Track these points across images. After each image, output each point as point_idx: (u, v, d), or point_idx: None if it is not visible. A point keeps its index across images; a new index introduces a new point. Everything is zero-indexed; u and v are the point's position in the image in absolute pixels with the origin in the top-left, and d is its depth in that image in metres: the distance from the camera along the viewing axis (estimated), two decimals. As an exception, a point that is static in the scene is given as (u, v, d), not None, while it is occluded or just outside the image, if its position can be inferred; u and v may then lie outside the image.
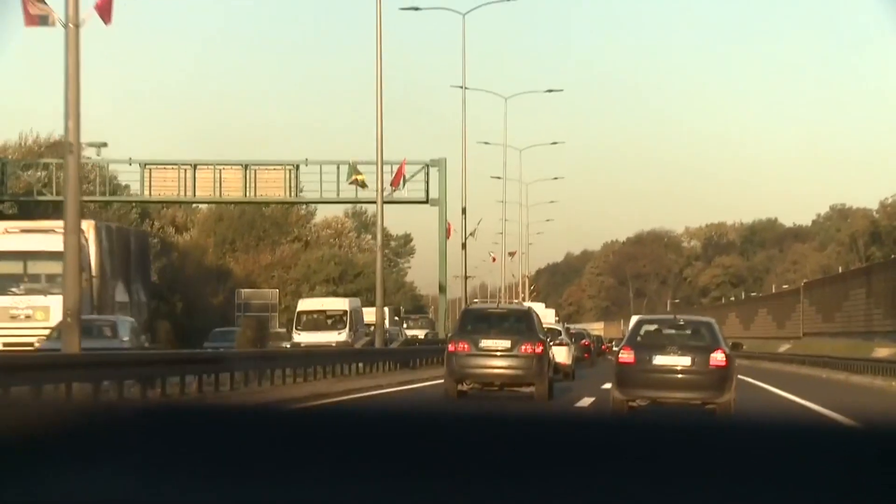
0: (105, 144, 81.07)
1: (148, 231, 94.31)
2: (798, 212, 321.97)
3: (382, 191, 47.99)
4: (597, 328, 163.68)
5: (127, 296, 56.36)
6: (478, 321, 30.54)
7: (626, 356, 24.96)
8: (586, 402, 27.34)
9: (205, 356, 32.57)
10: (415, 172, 67.18)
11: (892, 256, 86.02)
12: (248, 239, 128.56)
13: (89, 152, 68.51)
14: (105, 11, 28.50)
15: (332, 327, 60.37)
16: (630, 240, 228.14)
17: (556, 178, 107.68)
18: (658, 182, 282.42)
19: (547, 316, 64.47)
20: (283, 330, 71.63)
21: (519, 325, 30.26)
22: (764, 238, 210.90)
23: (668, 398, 24.67)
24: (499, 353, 29.31)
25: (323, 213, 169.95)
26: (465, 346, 29.36)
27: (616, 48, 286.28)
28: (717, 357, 24.44)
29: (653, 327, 26.29)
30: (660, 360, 24.63)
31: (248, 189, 70.06)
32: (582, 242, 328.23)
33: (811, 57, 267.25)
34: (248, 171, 69.42)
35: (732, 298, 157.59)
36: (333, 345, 53.12)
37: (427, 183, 68.07)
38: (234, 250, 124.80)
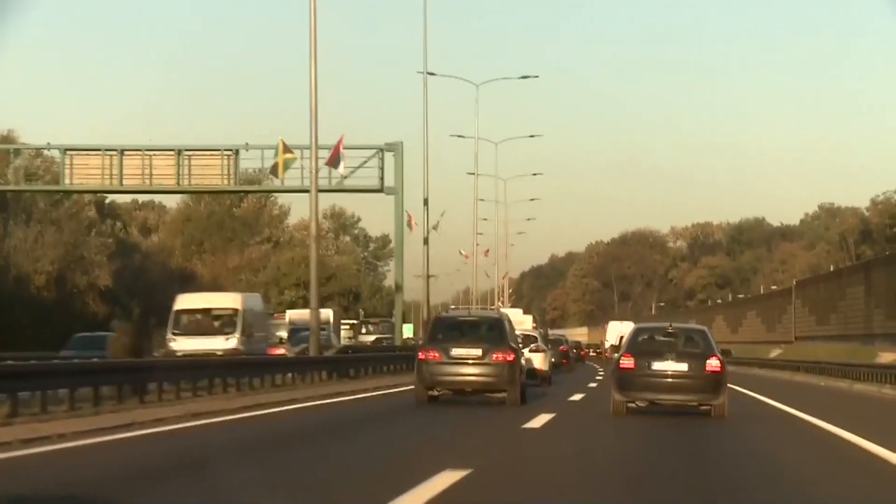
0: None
1: (106, 231, 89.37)
2: (785, 211, 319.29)
3: (317, 175, 42.97)
4: (580, 334, 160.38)
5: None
6: (449, 329, 30.89)
7: (627, 362, 27.05)
8: (542, 419, 25.19)
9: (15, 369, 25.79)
10: (368, 158, 62.07)
11: (887, 253, 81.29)
12: (216, 240, 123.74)
13: None
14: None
15: (219, 331, 48.85)
16: (615, 240, 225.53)
17: (535, 174, 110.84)
18: (644, 181, 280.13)
19: (524, 322, 63.76)
20: None
21: (490, 333, 30.65)
22: (751, 237, 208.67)
23: (667, 400, 27.20)
24: (470, 362, 29.77)
25: (299, 214, 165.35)
26: (436, 354, 29.76)
27: (597, 38, 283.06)
28: (713, 363, 26.81)
29: (649, 334, 28.43)
30: (659, 365, 26.90)
31: (181, 177, 63.85)
32: (567, 244, 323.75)
33: (797, 55, 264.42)
34: (181, 158, 63.42)
35: (719, 301, 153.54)
36: (219, 353, 43.77)
37: (382, 169, 62.48)
38: (202, 252, 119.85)
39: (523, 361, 32.76)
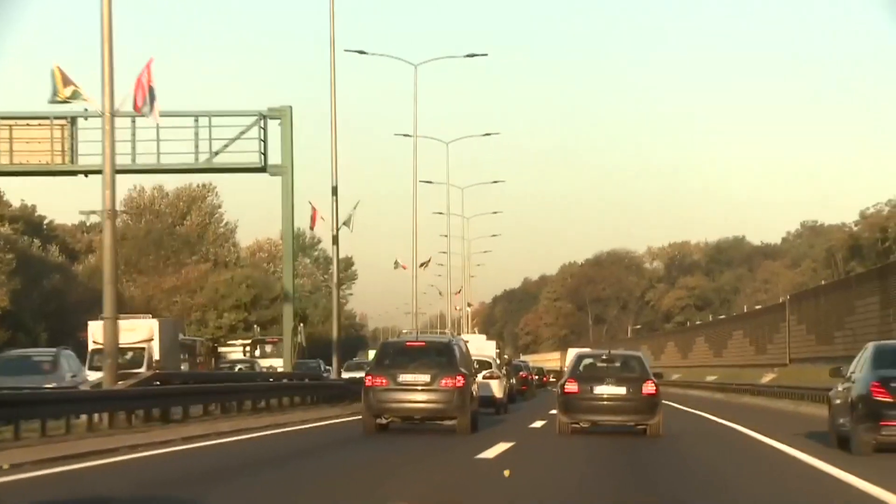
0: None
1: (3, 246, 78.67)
2: (766, 230, 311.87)
3: (111, 111, 30.22)
4: (553, 359, 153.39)
5: None
6: (396, 355, 30.40)
7: (571, 387, 29.85)
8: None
9: None
10: (247, 127, 49.17)
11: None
12: (153, 260, 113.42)
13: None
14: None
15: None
16: (588, 261, 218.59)
17: (495, 213, 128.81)
18: (618, 202, 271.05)
19: (486, 348, 61.47)
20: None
21: (439, 358, 30.17)
22: (731, 257, 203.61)
23: (608, 421, 30.08)
24: (418, 388, 29.54)
25: (254, 235, 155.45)
26: (383, 380, 29.47)
27: (570, 68, 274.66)
28: (648, 387, 29.74)
29: (590, 361, 30.94)
30: (599, 389, 29.77)
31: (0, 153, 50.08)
32: (539, 267, 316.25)
33: (775, 72, 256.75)
34: None
35: (699, 322, 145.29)
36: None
37: (264, 142, 49.69)
38: (138, 273, 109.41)
39: (475, 388, 31.83)
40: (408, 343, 31.40)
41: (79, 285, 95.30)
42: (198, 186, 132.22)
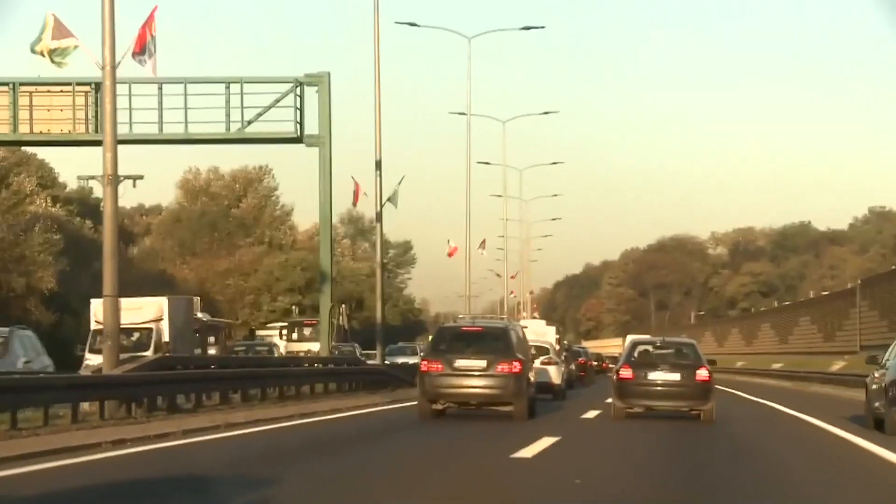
0: (141, 177, 68.81)
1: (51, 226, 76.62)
2: (832, 215, 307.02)
3: (112, 64, 26.78)
4: (614, 345, 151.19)
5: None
6: (453, 340, 30.20)
7: (626, 373, 30.79)
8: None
9: None
10: (282, 95, 45.75)
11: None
12: (207, 242, 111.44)
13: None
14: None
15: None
16: (651, 247, 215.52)
17: (555, 195, 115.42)
18: (680, 187, 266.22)
19: (547, 334, 60.26)
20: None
21: (496, 343, 29.87)
22: (796, 243, 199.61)
23: (661, 406, 30.87)
24: (474, 373, 29.22)
25: (311, 218, 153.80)
26: (439, 365, 29.32)
27: (626, 50, 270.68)
28: (702, 373, 30.52)
29: (644, 347, 32.23)
30: (654, 375, 30.63)
31: (18, 122, 46.39)
32: (602, 253, 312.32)
33: (844, 53, 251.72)
34: (16, 94, 46.08)
35: (763, 309, 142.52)
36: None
37: (301, 111, 46.10)
38: (192, 255, 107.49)
39: (532, 374, 31.58)
40: (464, 328, 30.89)
41: (133, 268, 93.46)
42: (254, 168, 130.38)
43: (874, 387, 27.35)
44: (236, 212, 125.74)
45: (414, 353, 68.77)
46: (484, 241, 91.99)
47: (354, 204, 55.47)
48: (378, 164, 52.20)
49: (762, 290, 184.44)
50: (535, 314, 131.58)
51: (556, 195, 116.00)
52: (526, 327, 38.21)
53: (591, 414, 33.40)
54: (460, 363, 29.11)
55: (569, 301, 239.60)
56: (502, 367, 29.00)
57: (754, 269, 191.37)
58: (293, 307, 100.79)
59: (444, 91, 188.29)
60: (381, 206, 52.69)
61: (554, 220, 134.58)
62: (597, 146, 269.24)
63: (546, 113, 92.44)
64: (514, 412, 29.28)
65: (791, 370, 78.92)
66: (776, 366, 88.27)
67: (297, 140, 46.15)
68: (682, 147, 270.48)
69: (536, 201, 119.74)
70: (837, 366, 73.63)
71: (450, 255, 77.44)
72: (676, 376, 30.13)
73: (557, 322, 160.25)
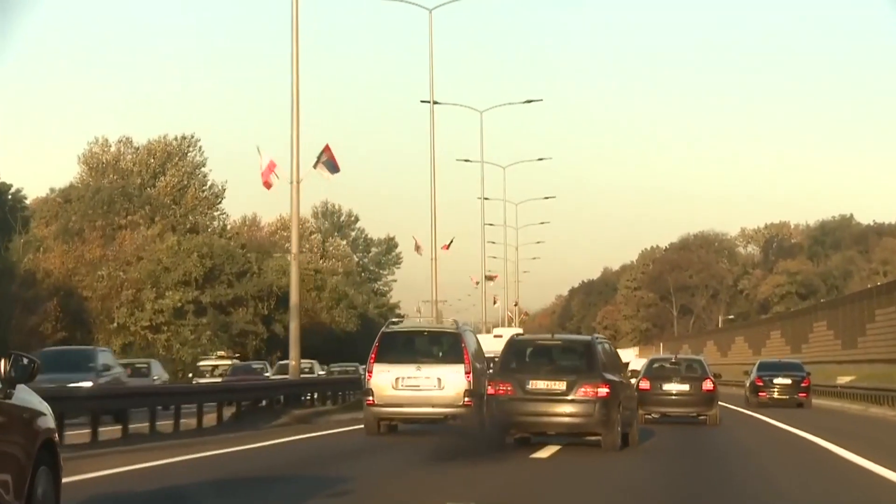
0: None
1: None
2: (875, 208, 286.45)
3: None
4: (627, 357, 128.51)
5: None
6: (526, 356, 26.78)
7: (644, 384, 36.82)
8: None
9: None
10: None
11: None
12: (100, 227, 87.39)
13: None
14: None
15: None
16: (673, 245, 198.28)
17: (546, 198, 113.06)
18: (706, 181, 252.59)
19: None
20: None
21: (578, 361, 26.35)
22: (837, 238, 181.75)
23: (674, 412, 37.47)
24: (552, 398, 25.67)
25: (279, 211, 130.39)
26: (508, 387, 25.78)
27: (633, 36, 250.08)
28: (707, 384, 37.39)
29: (659, 364, 39.50)
30: (667, 386, 37.63)
31: None
32: (621, 256, 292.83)
33: (877, 46, 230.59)
34: None
35: (818, 302, 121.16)
36: None
37: None
38: (63, 241, 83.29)
39: (624, 396, 27.25)
40: (539, 341, 28.35)
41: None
42: (175, 139, 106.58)
43: None
44: (152, 191, 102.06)
45: None
46: (451, 242, 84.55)
47: (265, 185, 46.10)
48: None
49: (800, 292, 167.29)
50: (519, 324, 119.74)
51: (548, 197, 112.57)
52: (500, 336, 42.52)
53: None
54: (533, 385, 25.57)
55: (585, 308, 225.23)
56: (585, 391, 25.44)
57: (790, 267, 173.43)
58: (192, 305, 76.64)
59: (417, 78, 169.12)
60: (299, 182, 45.10)
61: (542, 223, 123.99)
62: (596, 138, 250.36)
63: (529, 101, 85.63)
64: (604, 443, 25.59)
65: (872, 387, 53.46)
66: (844, 379, 62.38)
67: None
68: (704, 137, 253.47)
69: (526, 204, 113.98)
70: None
71: (418, 247, 74.38)
72: (686, 387, 37.28)
73: (573, 332, 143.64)
